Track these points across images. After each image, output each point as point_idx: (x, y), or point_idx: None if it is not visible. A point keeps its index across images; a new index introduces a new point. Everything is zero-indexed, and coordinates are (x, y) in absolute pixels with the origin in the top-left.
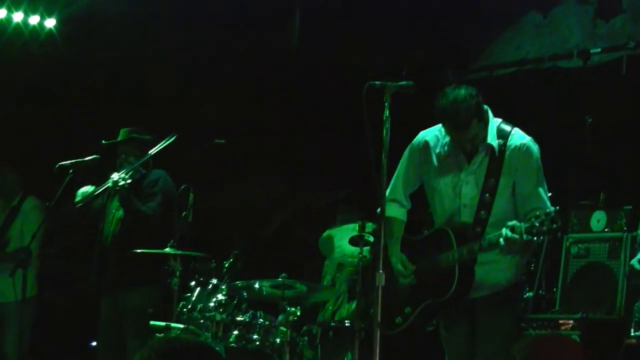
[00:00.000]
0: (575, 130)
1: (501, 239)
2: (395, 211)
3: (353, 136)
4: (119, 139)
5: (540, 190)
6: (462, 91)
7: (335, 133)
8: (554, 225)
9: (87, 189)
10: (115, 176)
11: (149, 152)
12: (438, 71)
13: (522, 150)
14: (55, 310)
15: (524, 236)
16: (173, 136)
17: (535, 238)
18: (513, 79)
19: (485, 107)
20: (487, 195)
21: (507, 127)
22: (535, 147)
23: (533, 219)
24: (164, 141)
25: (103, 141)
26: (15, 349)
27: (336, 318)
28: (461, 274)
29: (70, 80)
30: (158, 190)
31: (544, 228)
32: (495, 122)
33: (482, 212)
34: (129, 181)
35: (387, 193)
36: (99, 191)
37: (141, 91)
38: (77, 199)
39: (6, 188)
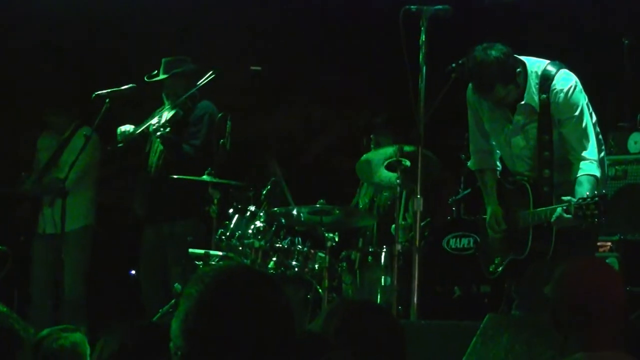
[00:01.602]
0: (612, 52)
1: (554, 217)
2: (483, 162)
3: (390, 60)
4: (160, 70)
5: (583, 137)
6: (491, 53)
7: (372, 58)
8: (596, 211)
9: (127, 128)
10: (154, 122)
11: (188, 92)
12: None
13: (561, 100)
14: (95, 238)
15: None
16: (212, 74)
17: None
18: (550, 3)
19: (519, 69)
20: (546, 152)
21: (552, 71)
22: (575, 92)
23: (581, 201)
24: (203, 79)
25: (145, 78)
26: (70, 280)
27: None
28: (536, 235)
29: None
30: (203, 127)
31: (588, 212)
32: (538, 70)
33: (546, 171)
34: (167, 129)
35: (470, 147)
36: (139, 130)
37: (173, 18)
38: (118, 137)
39: (59, 126)
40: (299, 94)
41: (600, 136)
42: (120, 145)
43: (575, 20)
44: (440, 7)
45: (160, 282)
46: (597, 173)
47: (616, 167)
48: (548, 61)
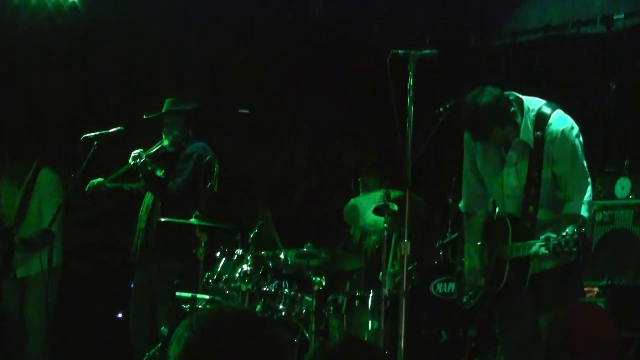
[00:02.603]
0: (599, 97)
1: (532, 251)
2: (475, 205)
3: (377, 104)
4: (163, 110)
5: (575, 178)
6: (482, 100)
7: (360, 101)
8: (574, 249)
9: (98, 181)
10: (135, 153)
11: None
12: (462, 39)
13: (558, 139)
14: (82, 280)
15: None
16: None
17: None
18: (537, 46)
19: (513, 108)
20: (533, 189)
21: (547, 112)
22: (571, 132)
23: (560, 238)
24: (154, 114)
25: (144, 115)
26: (40, 319)
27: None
28: (513, 270)
29: (95, 51)
30: (190, 165)
31: (566, 249)
32: (534, 108)
33: (531, 207)
34: (142, 160)
35: (463, 189)
36: (122, 171)
37: (164, 59)
38: (88, 187)
39: (17, 174)
40: (287, 136)
41: (589, 179)
42: (88, 197)
43: (561, 64)
44: (428, 51)
45: (149, 324)
46: (586, 214)
47: (604, 212)
48: (545, 102)
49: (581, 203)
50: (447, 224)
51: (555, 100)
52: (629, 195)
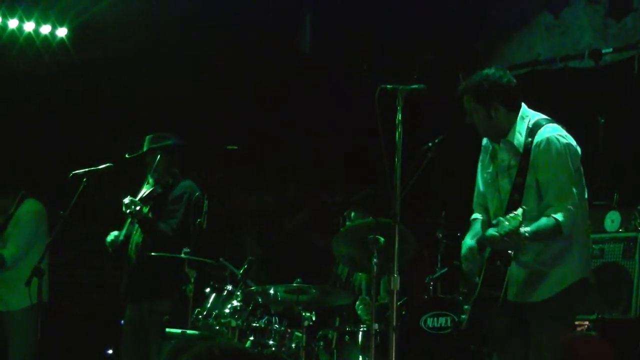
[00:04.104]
0: (588, 131)
1: (487, 234)
2: (482, 214)
3: (365, 140)
4: (144, 148)
5: (556, 185)
6: (491, 70)
7: (348, 137)
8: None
9: (112, 236)
10: (126, 200)
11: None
12: (449, 74)
13: (542, 146)
14: (70, 318)
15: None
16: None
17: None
18: (525, 80)
19: (523, 105)
20: (517, 195)
21: (542, 123)
22: (557, 141)
23: (510, 219)
24: (135, 153)
25: (127, 155)
26: (24, 356)
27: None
28: (487, 274)
29: (82, 88)
30: (182, 206)
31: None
32: (532, 118)
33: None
34: (137, 208)
35: (474, 200)
36: (125, 229)
37: (153, 97)
38: (109, 248)
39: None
40: (275, 172)
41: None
42: (111, 252)
43: (549, 97)
44: (415, 85)
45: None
46: (560, 217)
47: (593, 245)
48: (549, 118)
49: (560, 208)
50: (437, 258)
51: None
52: (619, 229)
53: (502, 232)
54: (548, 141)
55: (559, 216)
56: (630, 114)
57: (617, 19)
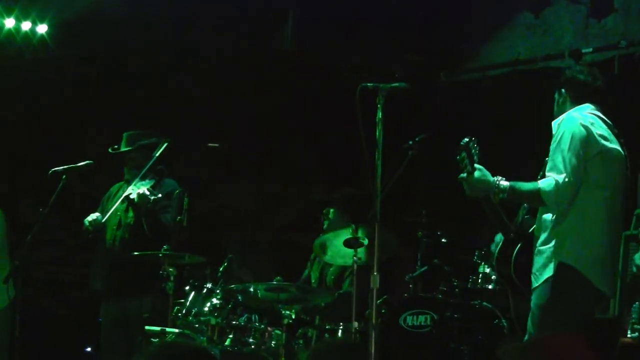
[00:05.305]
0: None
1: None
2: None
3: (347, 138)
4: (122, 143)
5: (551, 161)
6: (579, 68)
7: (329, 135)
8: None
9: (94, 217)
10: (141, 190)
11: (148, 163)
12: (431, 72)
13: (554, 129)
14: (50, 314)
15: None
16: (165, 143)
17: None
18: (506, 80)
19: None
20: (539, 176)
21: (572, 112)
22: (566, 123)
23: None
24: (157, 149)
25: (109, 149)
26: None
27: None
28: (502, 249)
29: (63, 86)
30: (174, 202)
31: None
32: (574, 110)
33: None
34: (159, 195)
35: None
36: (116, 204)
37: (133, 95)
38: (89, 228)
39: None
40: (256, 170)
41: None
42: (90, 235)
43: (530, 97)
44: (396, 84)
45: (122, 357)
46: (542, 184)
47: None
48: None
49: (547, 179)
50: (417, 257)
51: (525, 133)
52: None
53: (478, 175)
54: (559, 123)
55: (542, 182)
56: (609, 114)
57: (598, 19)
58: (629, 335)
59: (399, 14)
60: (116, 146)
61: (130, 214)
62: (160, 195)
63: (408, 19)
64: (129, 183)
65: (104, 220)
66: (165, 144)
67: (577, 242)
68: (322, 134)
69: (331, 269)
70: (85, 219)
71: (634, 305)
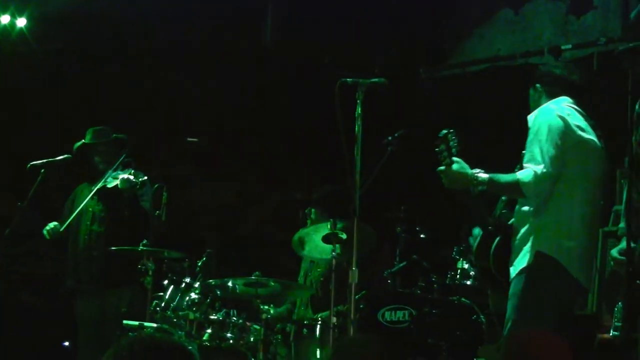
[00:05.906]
0: None
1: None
2: None
3: (326, 134)
4: (87, 138)
5: (528, 153)
6: (561, 65)
7: (309, 131)
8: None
9: (52, 226)
10: (125, 176)
11: (122, 155)
12: (411, 68)
13: (530, 122)
14: (27, 309)
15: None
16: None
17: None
18: (485, 76)
19: (540, 94)
20: (517, 168)
21: (548, 104)
22: (541, 115)
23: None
24: (128, 146)
25: (77, 143)
26: None
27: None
28: (481, 242)
29: (42, 79)
30: (148, 191)
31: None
32: (550, 102)
33: None
34: (145, 177)
35: None
36: (85, 201)
37: (113, 90)
38: (45, 235)
39: None
40: (236, 166)
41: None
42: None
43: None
44: (376, 79)
45: (100, 352)
46: (521, 175)
47: None
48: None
49: (526, 170)
50: (396, 252)
51: (505, 130)
52: None
53: (457, 168)
54: (535, 115)
55: (520, 174)
56: (588, 110)
57: (578, 15)
58: (611, 334)
59: (379, 10)
60: (84, 140)
61: (101, 206)
62: (145, 177)
63: (389, 15)
64: (93, 182)
65: (67, 222)
66: (134, 138)
67: (556, 233)
68: (303, 130)
69: (319, 269)
70: (44, 229)
71: (617, 306)
